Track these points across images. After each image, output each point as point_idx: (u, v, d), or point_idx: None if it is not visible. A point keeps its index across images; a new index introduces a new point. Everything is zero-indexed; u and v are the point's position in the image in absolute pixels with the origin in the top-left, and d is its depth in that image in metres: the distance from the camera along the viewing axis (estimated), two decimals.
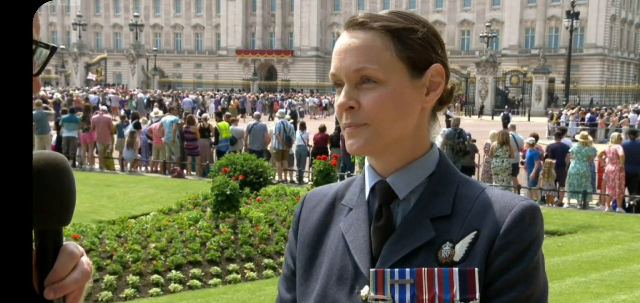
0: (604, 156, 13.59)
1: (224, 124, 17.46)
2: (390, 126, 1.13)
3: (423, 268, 1.09)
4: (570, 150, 14.04)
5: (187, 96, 49.90)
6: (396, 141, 1.16)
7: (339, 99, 1.15)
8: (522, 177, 15.30)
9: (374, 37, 1.13)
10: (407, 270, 1.10)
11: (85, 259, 0.95)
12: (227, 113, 21.12)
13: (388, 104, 1.12)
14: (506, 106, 46.60)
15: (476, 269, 1.07)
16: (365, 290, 1.12)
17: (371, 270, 1.12)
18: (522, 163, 15.37)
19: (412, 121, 1.16)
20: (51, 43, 0.92)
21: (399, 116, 1.13)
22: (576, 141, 14.72)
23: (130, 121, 19.55)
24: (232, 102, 47.61)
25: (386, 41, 1.13)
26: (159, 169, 17.68)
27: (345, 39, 1.16)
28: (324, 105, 52.59)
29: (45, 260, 0.90)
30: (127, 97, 46.43)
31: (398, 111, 1.13)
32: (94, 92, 45.96)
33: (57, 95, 39.96)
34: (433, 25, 1.19)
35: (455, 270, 1.08)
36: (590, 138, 14.95)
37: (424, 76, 1.15)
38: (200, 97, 51.10)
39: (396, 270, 1.10)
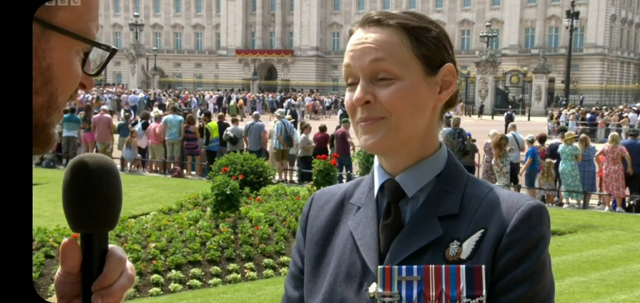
0: (602, 156, 13.60)
1: (213, 124, 17.52)
2: (406, 121, 1.14)
3: (430, 265, 1.09)
4: (558, 149, 14.10)
5: (192, 97, 50.04)
6: (409, 139, 1.16)
7: (355, 94, 1.14)
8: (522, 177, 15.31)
9: (390, 34, 1.14)
10: (415, 267, 1.10)
11: (129, 264, 0.93)
12: (221, 114, 21.16)
13: (405, 98, 1.13)
14: (510, 106, 46.60)
15: (483, 266, 1.08)
16: (373, 287, 1.12)
17: (379, 267, 1.13)
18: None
19: (425, 119, 1.17)
20: (109, 44, 0.92)
21: (415, 112, 1.14)
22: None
23: (139, 120, 19.62)
24: (238, 101, 47.67)
25: (402, 38, 1.14)
26: (158, 168, 17.69)
27: (361, 34, 1.16)
28: (327, 105, 52.34)
29: (90, 264, 0.87)
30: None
31: (414, 107, 1.14)
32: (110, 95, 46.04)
33: None
34: (443, 28, 1.21)
35: (462, 267, 1.08)
36: (575, 136, 15.04)
37: (437, 75, 1.16)
38: (200, 96, 51.19)
39: (404, 267, 1.11)
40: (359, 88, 1.14)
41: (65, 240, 0.87)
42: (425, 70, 1.15)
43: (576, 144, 14.16)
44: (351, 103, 1.15)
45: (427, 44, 1.15)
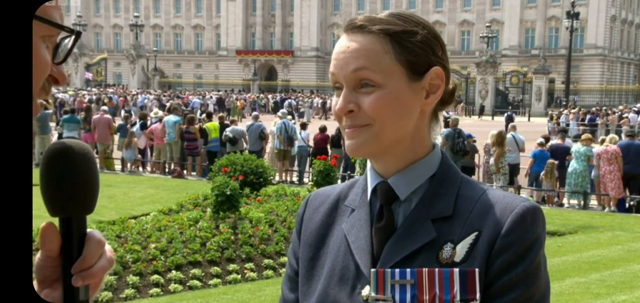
0: (599, 157, 13.58)
1: (212, 124, 17.47)
2: (389, 128, 1.13)
3: (424, 269, 1.09)
4: (571, 150, 14.09)
5: (191, 98, 50.15)
6: (395, 144, 1.16)
7: (338, 103, 1.15)
8: (522, 177, 15.29)
9: (373, 41, 1.13)
10: (408, 270, 1.10)
11: (108, 247, 0.95)
12: (221, 115, 21.14)
13: (387, 106, 1.12)
14: (510, 107, 46.60)
15: (477, 270, 1.07)
16: (366, 290, 1.12)
17: (372, 270, 1.12)
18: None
19: (411, 124, 1.16)
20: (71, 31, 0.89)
21: (398, 119, 1.14)
22: (577, 141, 14.77)
23: (138, 120, 19.62)
24: (238, 102, 47.83)
25: (385, 45, 1.13)
26: (158, 170, 17.68)
27: (344, 42, 1.16)
28: (327, 106, 52.40)
29: (70, 247, 0.90)
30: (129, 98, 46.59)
31: (397, 114, 1.13)
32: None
33: (64, 96, 40.11)
34: (433, 27, 1.19)
35: (456, 270, 1.08)
36: (592, 138, 15.03)
37: (423, 79, 1.15)
38: (200, 97, 51.28)
39: (397, 270, 1.11)
40: (341, 97, 1.14)
41: (44, 224, 0.89)
42: (409, 76, 1.14)
43: (593, 145, 14.13)
44: (336, 110, 1.16)
45: (412, 49, 1.14)
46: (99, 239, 0.92)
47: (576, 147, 14.04)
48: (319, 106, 49.15)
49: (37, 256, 0.91)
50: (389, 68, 1.12)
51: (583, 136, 14.80)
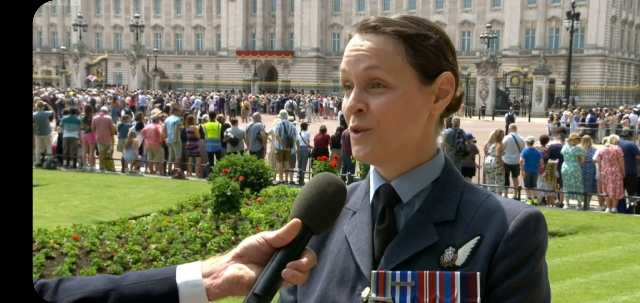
0: (600, 158, 13.56)
1: (209, 125, 17.44)
2: (396, 132, 1.13)
3: (425, 271, 1.09)
4: (562, 150, 14.06)
5: (192, 97, 50.26)
6: (402, 148, 1.15)
7: (348, 102, 1.14)
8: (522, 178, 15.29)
9: (386, 41, 1.13)
10: (409, 272, 1.09)
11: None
12: (220, 116, 21.11)
13: (396, 109, 1.12)
14: (511, 107, 46.62)
15: (478, 273, 1.07)
16: (366, 292, 1.12)
17: (373, 271, 1.12)
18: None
19: (419, 128, 1.15)
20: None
21: (406, 123, 1.13)
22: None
23: (134, 121, 19.63)
24: (242, 104, 47.96)
25: (398, 46, 1.12)
26: (157, 170, 17.67)
27: (357, 41, 1.15)
28: (330, 106, 52.45)
29: (296, 247, 1.04)
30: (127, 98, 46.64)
31: (405, 117, 1.13)
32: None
33: (62, 96, 40.15)
34: (445, 32, 1.19)
35: (457, 273, 1.07)
36: (578, 137, 15.02)
37: (433, 84, 1.15)
38: (201, 98, 51.36)
39: (397, 272, 1.10)
40: (351, 96, 1.14)
41: (297, 220, 1.04)
42: (420, 79, 1.13)
43: (580, 145, 14.07)
44: (346, 110, 1.16)
45: (424, 53, 1.13)
46: (315, 257, 1.06)
47: (565, 148, 13.99)
48: (331, 107, 48.86)
49: (255, 237, 1.06)
50: (400, 70, 1.12)
51: (571, 136, 14.72)
